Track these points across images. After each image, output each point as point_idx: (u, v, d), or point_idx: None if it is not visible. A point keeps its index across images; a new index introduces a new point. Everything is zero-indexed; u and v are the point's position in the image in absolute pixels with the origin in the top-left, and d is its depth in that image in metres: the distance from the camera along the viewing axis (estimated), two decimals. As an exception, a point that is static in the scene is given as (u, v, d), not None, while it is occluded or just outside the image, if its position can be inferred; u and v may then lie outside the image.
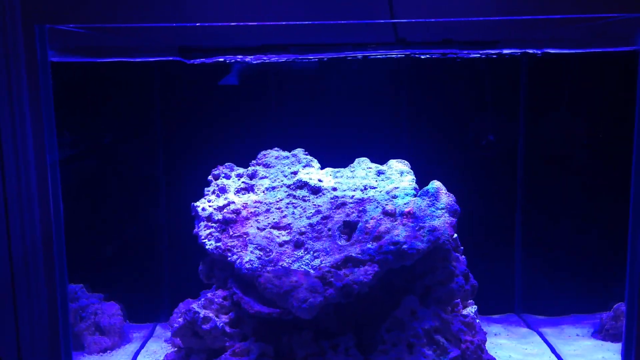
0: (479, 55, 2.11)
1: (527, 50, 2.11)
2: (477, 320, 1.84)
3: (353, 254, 1.72)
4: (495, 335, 2.12)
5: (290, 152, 2.13)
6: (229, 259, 1.79)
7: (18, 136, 2.00)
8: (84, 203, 2.11)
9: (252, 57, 2.13)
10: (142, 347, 2.05)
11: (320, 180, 2.00)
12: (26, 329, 2.04)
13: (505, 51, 2.08)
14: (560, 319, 2.22)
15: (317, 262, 1.75)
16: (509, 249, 2.32)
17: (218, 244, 1.82)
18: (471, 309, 1.87)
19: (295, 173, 2.03)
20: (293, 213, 1.91)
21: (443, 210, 1.82)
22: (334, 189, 1.97)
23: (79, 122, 2.00)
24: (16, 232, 2.00)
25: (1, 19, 1.93)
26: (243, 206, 1.92)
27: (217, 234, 1.85)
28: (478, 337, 1.78)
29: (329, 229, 1.84)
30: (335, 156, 2.14)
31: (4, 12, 1.94)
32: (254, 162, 2.12)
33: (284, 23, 1.94)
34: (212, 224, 1.87)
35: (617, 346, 1.97)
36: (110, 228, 2.19)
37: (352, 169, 2.07)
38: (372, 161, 2.09)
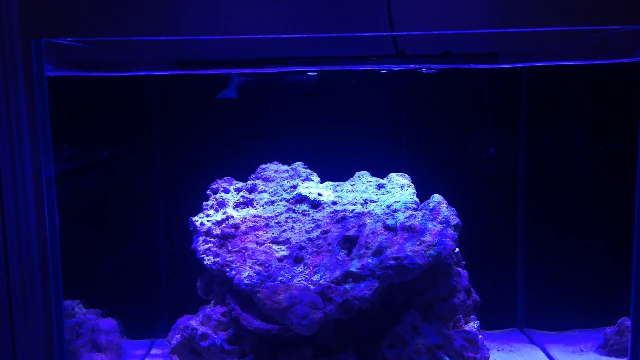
0: (478, 67, 2.11)
1: (527, 63, 2.11)
2: (480, 336, 1.82)
3: (353, 269, 1.70)
4: (498, 351, 2.09)
5: (289, 165, 2.11)
6: (228, 274, 1.77)
7: (15, 151, 1.99)
8: (81, 218, 2.09)
9: (250, 70, 2.12)
10: (139, 364, 2.03)
11: (320, 194, 1.98)
12: (22, 345, 2.02)
13: (505, 65, 2.07)
14: (564, 334, 2.19)
15: (316, 277, 1.73)
16: (512, 263, 2.30)
17: (216, 259, 1.80)
18: (473, 325, 1.85)
19: (294, 187, 2.01)
20: (292, 227, 1.89)
21: (444, 225, 1.80)
22: (334, 203, 1.95)
23: (76, 136, 1.99)
24: (13, 249, 1.99)
25: (-1, 33, 1.93)
26: (242, 221, 1.90)
27: (215, 249, 1.83)
28: (481, 353, 1.75)
29: (329, 244, 1.82)
30: (335, 170, 2.12)
31: (2, 26, 1.93)
32: (253, 176, 2.10)
33: (283, 36, 1.94)
34: (211, 239, 1.85)
35: (622, 362, 1.95)
36: (107, 243, 2.17)
37: (352, 183, 2.05)
38: (372, 175, 2.08)
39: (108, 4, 2.08)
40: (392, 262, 1.68)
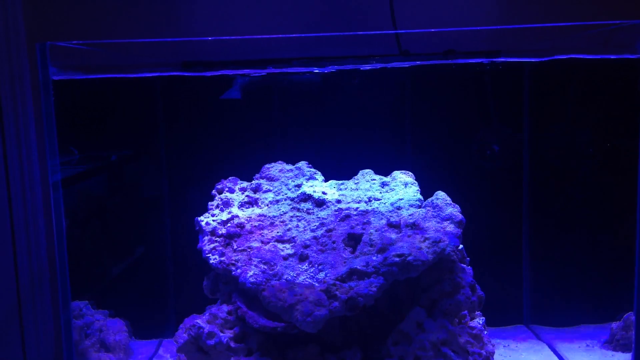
0: (481, 65, 2.11)
1: (530, 60, 2.11)
2: (485, 332, 1.82)
3: (358, 267, 1.71)
4: (504, 347, 2.09)
5: (294, 165, 2.13)
6: (233, 273, 1.78)
7: (23, 156, 2.01)
8: (89, 220, 2.11)
9: (254, 70, 2.14)
10: (147, 363, 2.05)
11: (324, 193, 1.99)
12: (32, 345, 2.04)
13: (508, 60, 2.08)
14: (570, 330, 2.19)
15: (321, 275, 1.74)
16: (517, 259, 2.30)
17: (222, 259, 1.82)
18: (479, 321, 1.85)
19: (299, 186, 2.03)
20: (297, 226, 1.90)
21: (448, 221, 1.81)
22: (338, 202, 1.96)
23: (82, 139, 2.01)
24: (22, 252, 2.01)
25: (5, 37, 1.95)
26: (247, 220, 1.92)
27: (221, 248, 1.84)
28: (486, 349, 1.76)
29: (334, 242, 1.83)
30: (339, 168, 2.13)
31: (7, 31, 1.96)
32: (257, 175, 2.12)
33: (286, 36, 1.95)
34: (216, 239, 1.87)
35: (628, 356, 1.94)
36: (115, 245, 2.19)
37: (356, 181, 2.06)
38: (376, 173, 2.09)
39: (112, 6, 2.10)
40: (396, 259, 1.69)
